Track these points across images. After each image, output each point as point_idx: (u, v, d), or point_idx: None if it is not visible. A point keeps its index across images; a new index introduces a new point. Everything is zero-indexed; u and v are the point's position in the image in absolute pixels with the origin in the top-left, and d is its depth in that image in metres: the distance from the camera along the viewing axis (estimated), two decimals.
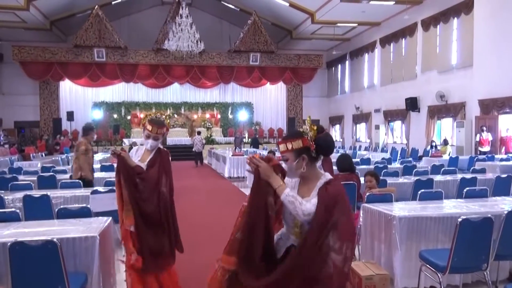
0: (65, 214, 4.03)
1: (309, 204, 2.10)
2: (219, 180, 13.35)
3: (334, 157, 4.13)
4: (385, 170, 7.52)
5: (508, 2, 12.29)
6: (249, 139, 22.54)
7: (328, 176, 2.22)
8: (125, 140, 21.98)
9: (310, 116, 2.41)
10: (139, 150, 3.76)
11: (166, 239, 3.54)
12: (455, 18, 14.93)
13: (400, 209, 4.22)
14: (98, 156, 14.37)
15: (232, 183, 12.47)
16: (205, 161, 19.12)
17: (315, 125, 2.24)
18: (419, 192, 4.77)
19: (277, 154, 12.29)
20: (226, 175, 13.64)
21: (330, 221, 2.04)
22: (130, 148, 14.42)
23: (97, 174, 7.89)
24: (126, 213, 3.45)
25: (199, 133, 19.37)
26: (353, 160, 6.60)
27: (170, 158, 3.83)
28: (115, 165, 9.47)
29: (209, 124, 24.22)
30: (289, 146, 2.19)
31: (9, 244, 2.76)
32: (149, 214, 3.47)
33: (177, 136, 22.96)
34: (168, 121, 23.02)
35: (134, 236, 3.43)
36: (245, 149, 17.44)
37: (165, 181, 3.62)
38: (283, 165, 2.25)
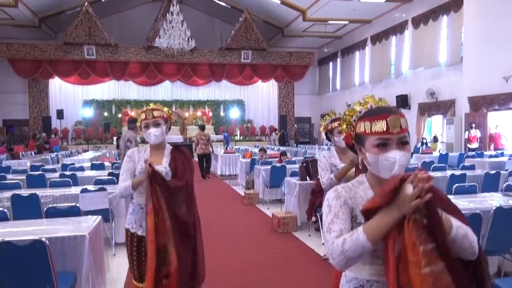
0: (54, 213, 3.97)
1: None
2: (211, 178, 13.31)
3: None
4: None
5: (497, 0, 12.40)
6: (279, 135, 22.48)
7: None
8: (116, 139, 21.81)
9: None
10: (142, 152, 3.08)
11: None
12: (445, 16, 15.04)
13: None
14: (88, 155, 14.28)
15: (224, 181, 12.45)
16: (196, 159, 19.03)
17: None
18: None
19: (269, 152, 12.29)
20: (218, 173, 13.61)
21: None
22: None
23: (87, 173, 7.84)
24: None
25: None
26: None
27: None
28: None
29: (201, 122, 24.13)
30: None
31: None
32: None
33: (168, 134, 22.78)
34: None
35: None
36: (236, 147, 17.41)
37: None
38: (395, 154, 1.35)
